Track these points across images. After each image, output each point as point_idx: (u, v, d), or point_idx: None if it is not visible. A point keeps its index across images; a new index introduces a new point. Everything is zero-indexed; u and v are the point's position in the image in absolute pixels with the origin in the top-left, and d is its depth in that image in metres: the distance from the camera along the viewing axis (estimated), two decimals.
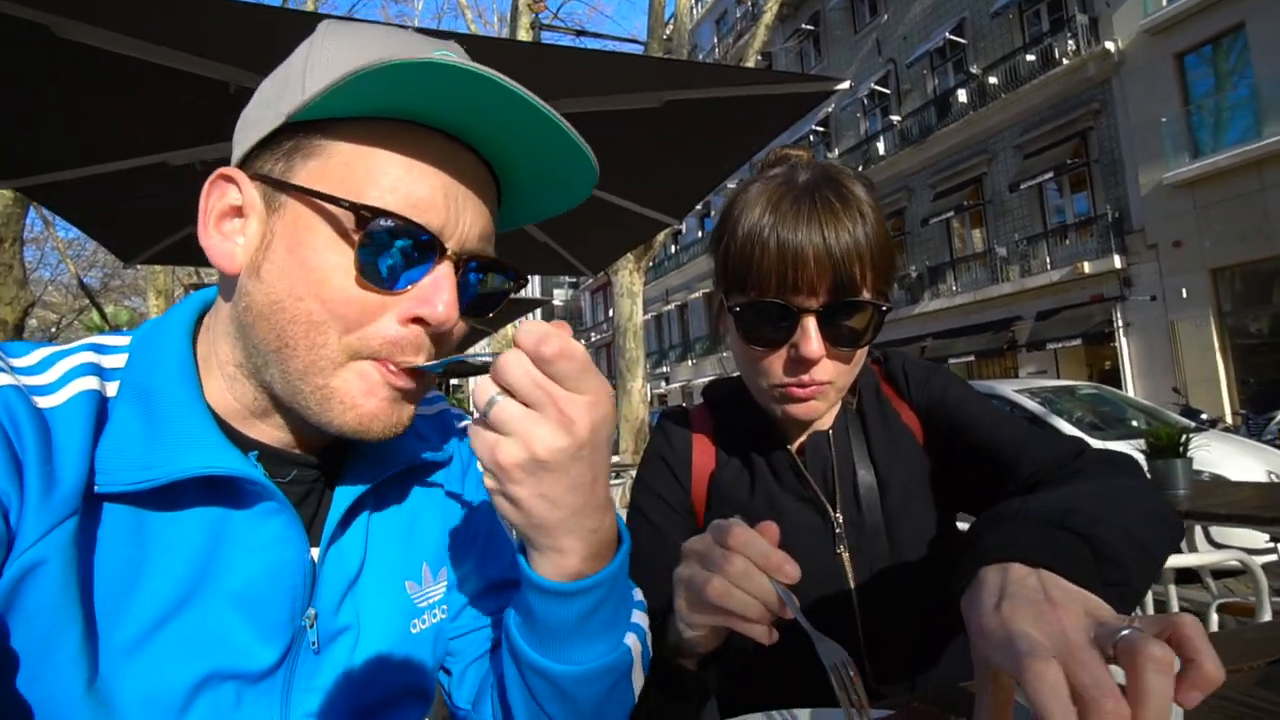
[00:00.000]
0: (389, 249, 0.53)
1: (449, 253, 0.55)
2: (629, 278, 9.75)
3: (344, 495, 0.62)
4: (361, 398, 0.54)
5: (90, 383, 0.53)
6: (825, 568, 0.89)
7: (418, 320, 0.54)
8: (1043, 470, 0.80)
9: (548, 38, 12.83)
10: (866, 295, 0.83)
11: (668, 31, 10.50)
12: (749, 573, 0.58)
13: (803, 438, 0.96)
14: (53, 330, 24.12)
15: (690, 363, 32.83)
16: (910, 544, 0.90)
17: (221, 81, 2.23)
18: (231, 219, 0.57)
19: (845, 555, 0.90)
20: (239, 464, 0.54)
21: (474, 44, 3.16)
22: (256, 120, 0.57)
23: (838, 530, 0.91)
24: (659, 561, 0.93)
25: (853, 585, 0.89)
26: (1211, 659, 0.41)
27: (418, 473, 0.70)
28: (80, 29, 2.00)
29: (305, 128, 0.55)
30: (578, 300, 47.71)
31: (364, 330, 0.54)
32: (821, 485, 0.93)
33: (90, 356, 0.56)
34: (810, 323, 0.81)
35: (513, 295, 0.65)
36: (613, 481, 5.35)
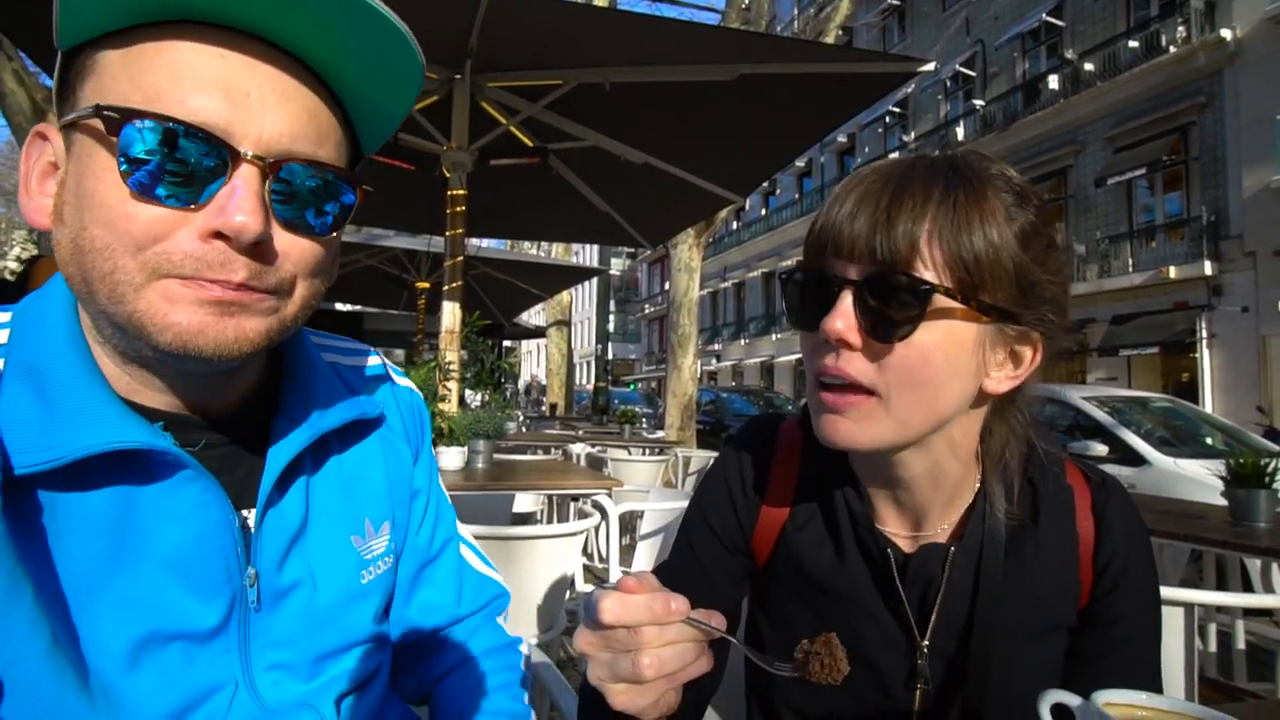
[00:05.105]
0: (163, 156, 0.48)
1: (247, 156, 0.49)
2: (688, 253, 9.64)
3: (277, 457, 0.61)
4: (173, 314, 0.50)
5: None
6: (892, 699, 0.76)
7: (220, 235, 0.49)
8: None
9: (624, 3, 12.63)
10: (925, 273, 0.62)
11: (746, 1, 10.21)
12: (664, 631, 0.51)
13: (910, 549, 0.75)
14: None
15: (743, 342, 32.57)
16: (1003, 707, 0.73)
17: None
18: (52, 177, 0.54)
19: (918, 693, 0.75)
20: (145, 435, 0.52)
21: (548, 7, 3.12)
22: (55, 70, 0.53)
23: (919, 661, 0.74)
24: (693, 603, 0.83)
25: None
26: None
27: (354, 429, 0.70)
28: None
29: (80, 52, 0.51)
30: (634, 271, 47.74)
31: (158, 247, 0.49)
32: (917, 604, 0.75)
33: None
34: (845, 295, 0.64)
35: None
36: (655, 458, 5.36)
